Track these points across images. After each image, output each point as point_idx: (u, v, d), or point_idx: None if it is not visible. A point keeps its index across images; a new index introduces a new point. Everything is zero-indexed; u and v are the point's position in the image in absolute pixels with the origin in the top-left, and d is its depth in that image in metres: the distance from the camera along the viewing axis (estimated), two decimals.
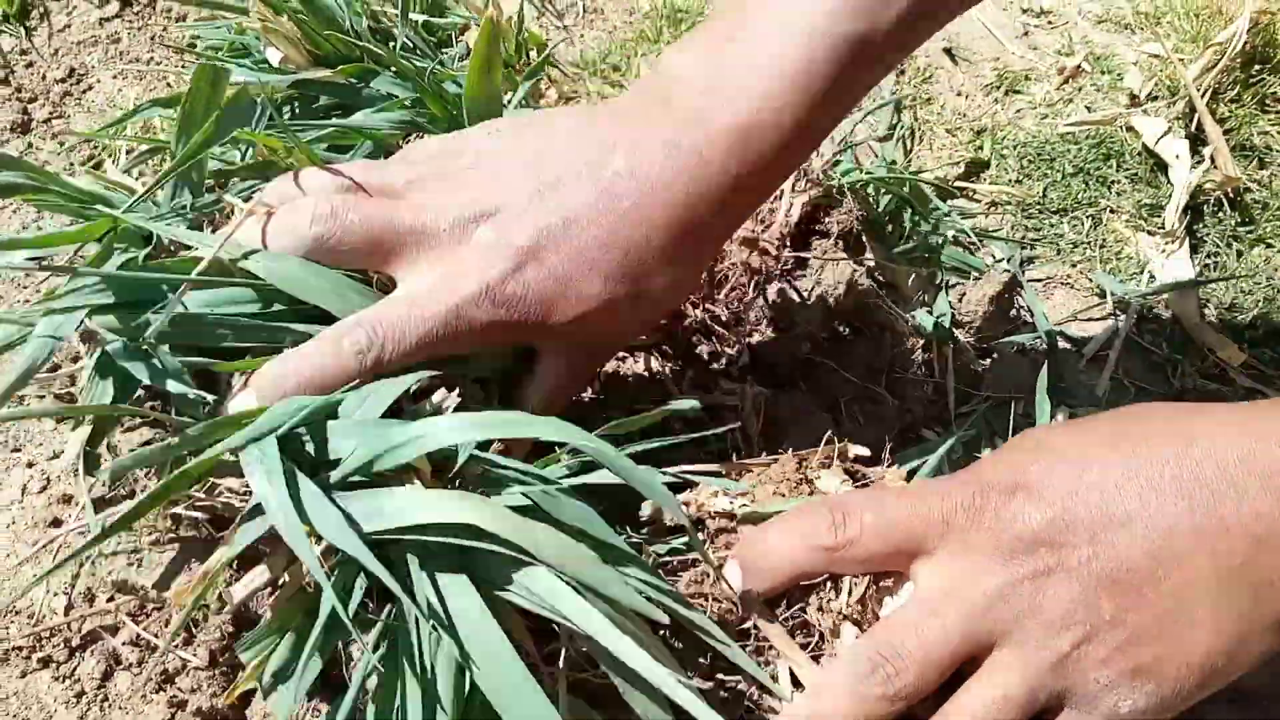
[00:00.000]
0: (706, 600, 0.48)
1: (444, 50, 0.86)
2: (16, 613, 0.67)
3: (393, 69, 0.75)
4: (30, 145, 0.85)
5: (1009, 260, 0.95)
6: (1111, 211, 1.00)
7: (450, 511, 0.41)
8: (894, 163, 0.97)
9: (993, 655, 0.43)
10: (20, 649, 0.66)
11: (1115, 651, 0.41)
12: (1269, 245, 0.98)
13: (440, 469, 0.45)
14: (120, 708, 0.62)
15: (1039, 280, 0.95)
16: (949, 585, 0.44)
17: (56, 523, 0.62)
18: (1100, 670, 0.41)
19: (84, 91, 0.88)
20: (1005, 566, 0.43)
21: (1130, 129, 1.05)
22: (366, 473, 0.43)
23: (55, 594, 0.66)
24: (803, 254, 0.81)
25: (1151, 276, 0.96)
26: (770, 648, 0.48)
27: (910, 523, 0.45)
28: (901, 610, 0.46)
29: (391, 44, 0.81)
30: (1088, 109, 1.08)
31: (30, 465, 0.71)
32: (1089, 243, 0.98)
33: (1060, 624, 0.42)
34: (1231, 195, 1.01)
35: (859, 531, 0.45)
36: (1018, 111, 1.08)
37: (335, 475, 0.44)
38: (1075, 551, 0.42)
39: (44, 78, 0.88)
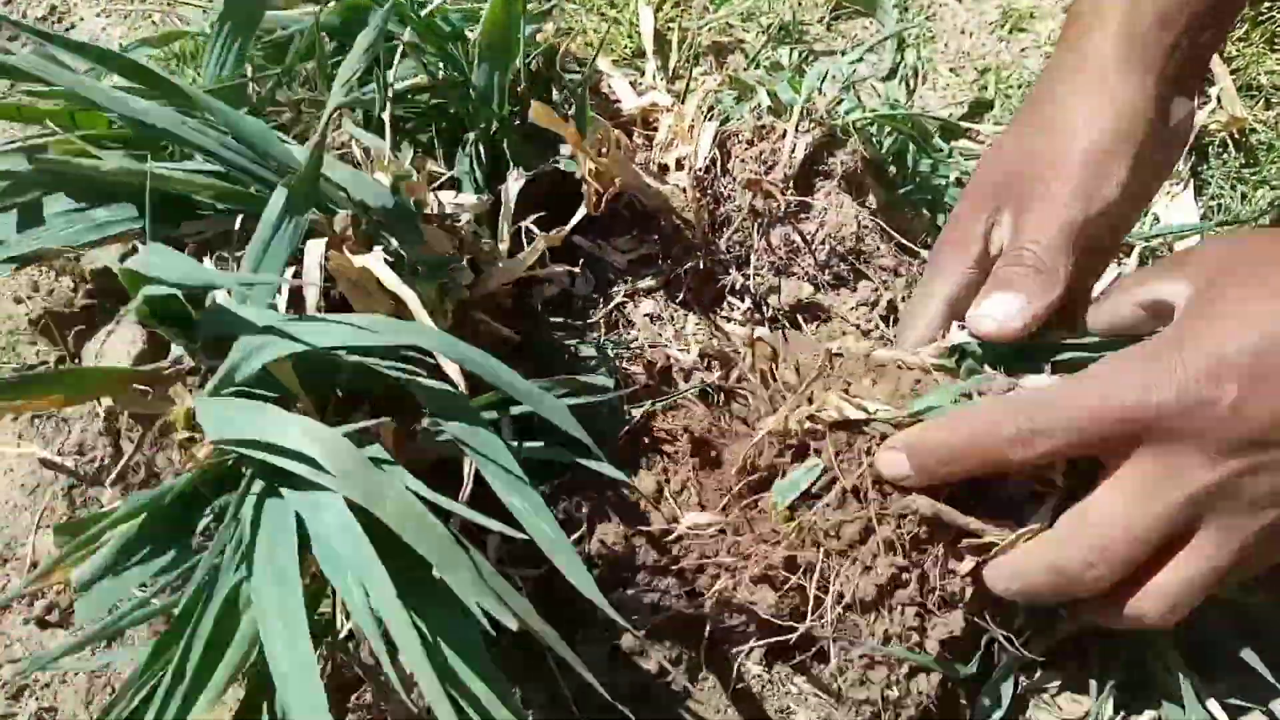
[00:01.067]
0: None
1: None
2: (19, 559, 0.67)
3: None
4: (12, 86, 0.83)
5: None
6: None
7: (292, 438, 0.40)
8: (897, 102, 0.95)
9: (1196, 538, 0.46)
10: (23, 597, 0.66)
11: None
12: (1273, 187, 0.96)
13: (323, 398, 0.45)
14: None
15: None
16: (1154, 483, 0.45)
17: (48, 463, 0.61)
18: None
19: (66, 30, 0.86)
20: (1216, 466, 0.44)
21: None
22: (231, 381, 0.43)
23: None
24: (805, 198, 0.79)
25: (1156, 219, 0.95)
26: None
27: (1107, 426, 0.45)
28: (1106, 503, 0.46)
29: None
30: None
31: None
32: None
33: (1268, 501, 0.44)
34: (1236, 136, 0.99)
35: (1050, 446, 0.46)
36: (1022, 50, 1.06)
37: (210, 383, 0.43)
38: None
39: (24, 15, 0.86)
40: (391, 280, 0.46)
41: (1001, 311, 0.52)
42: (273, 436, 0.41)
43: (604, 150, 0.64)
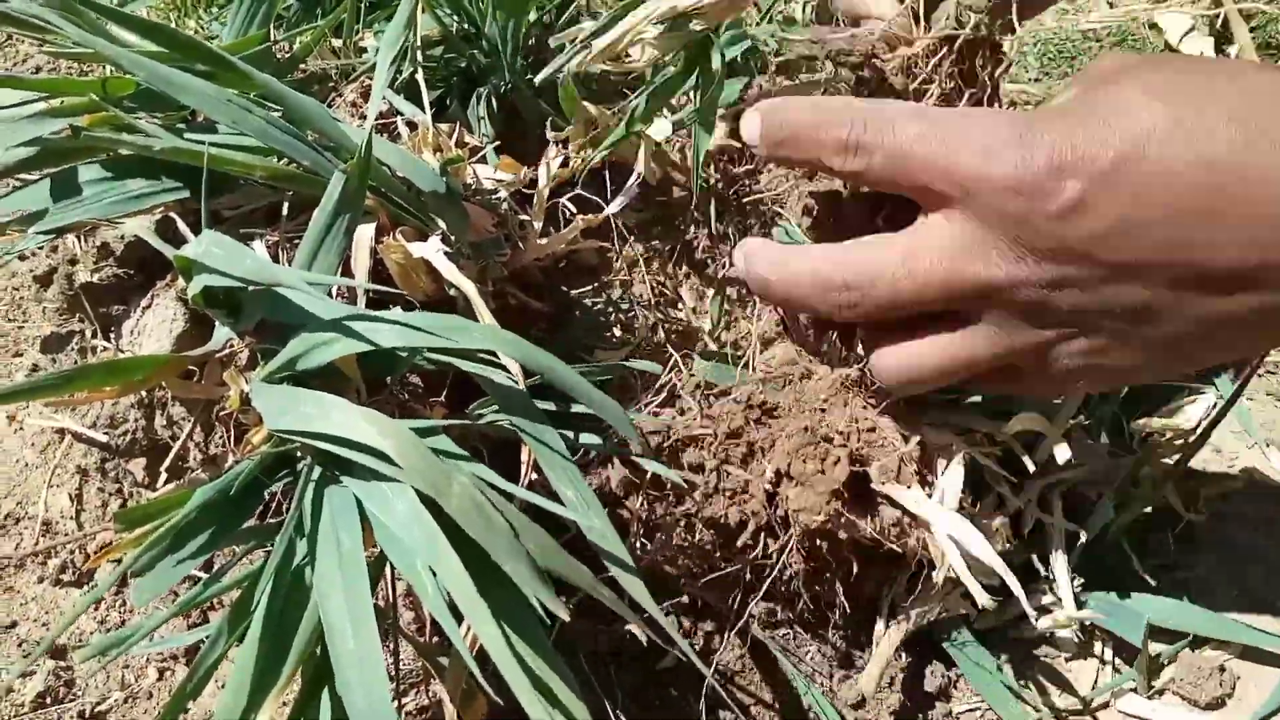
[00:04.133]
0: None
1: None
2: (30, 518, 0.68)
3: None
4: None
5: None
6: None
7: (361, 431, 0.41)
8: None
9: (969, 325, 0.44)
10: (36, 555, 0.67)
11: (1090, 353, 0.42)
12: None
13: (379, 384, 0.46)
14: (140, 611, 0.64)
15: None
16: (952, 250, 0.42)
17: (81, 437, 0.62)
18: (1070, 359, 0.43)
19: None
20: (1020, 263, 0.40)
21: (1153, 26, 1.04)
22: (290, 369, 0.44)
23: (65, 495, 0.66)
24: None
25: None
26: None
27: (932, 175, 0.41)
28: (901, 244, 0.44)
29: None
30: (1109, 4, 1.06)
31: (34, 368, 0.70)
32: None
33: (1056, 320, 0.42)
34: None
35: (866, 165, 0.43)
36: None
37: (267, 369, 0.44)
38: (1104, 285, 0.40)
39: None
40: (451, 273, 0.47)
41: None
42: (338, 429, 0.42)
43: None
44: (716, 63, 0.54)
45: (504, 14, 0.68)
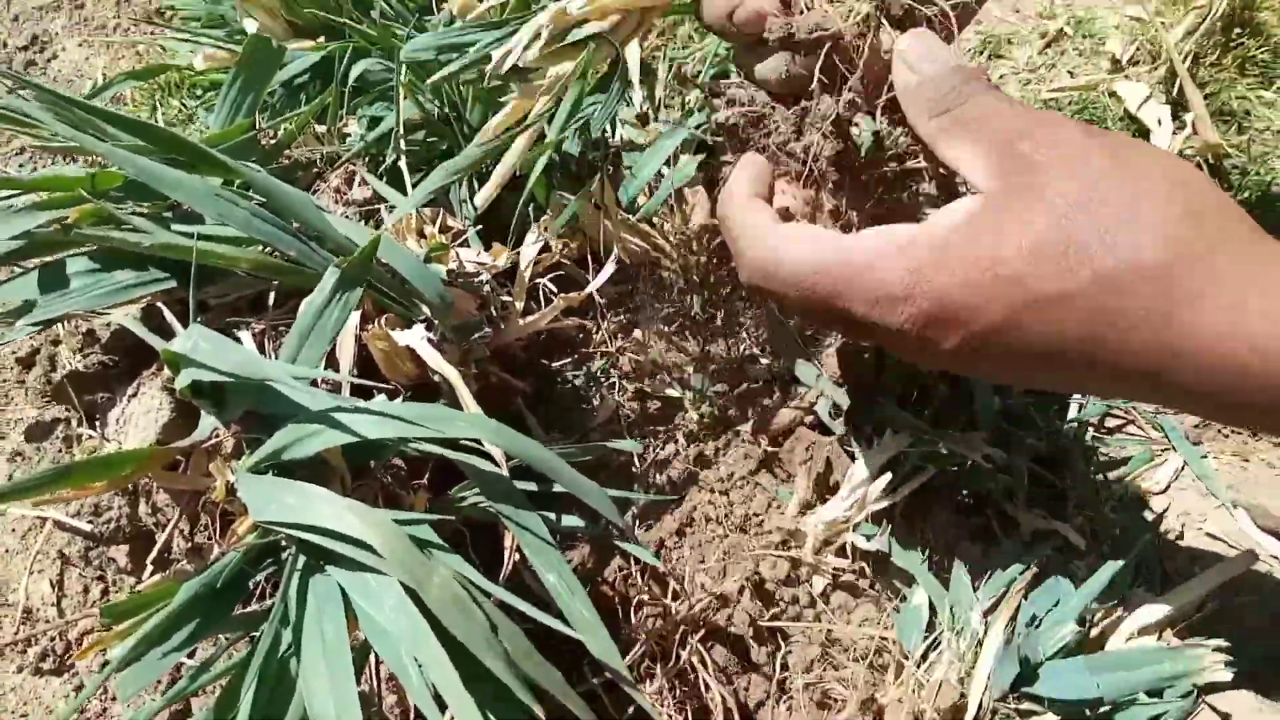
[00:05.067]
0: None
1: (426, 16, 0.85)
2: (10, 605, 0.68)
3: (377, 47, 0.74)
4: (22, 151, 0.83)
5: None
6: None
7: (346, 523, 0.42)
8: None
9: None
10: (15, 644, 0.66)
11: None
12: (1249, 210, 1.01)
13: (363, 469, 0.47)
14: (123, 701, 0.63)
15: None
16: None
17: (64, 527, 0.62)
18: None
19: (49, 60, 0.85)
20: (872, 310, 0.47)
21: (1113, 94, 1.07)
22: (276, 459, 0.45)
23: (46, 582, 0.66)
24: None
25: None
26: None
27: (833, 309, 0.48)
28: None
29: (373, 13, 0.81)
30: (1070, 74, 1.09)
31: (16, 455, 0.70)
32: None
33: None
34: (1212, 161, 1.03)
35: (782, 299, 0.49)
36: (1001, 77, 1.10)
37: (252, 459, 0.45)
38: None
39: (4, 45, 0.86)
40: (435, 359, 0.48)
41: None
42: (323, 521, 0.42)
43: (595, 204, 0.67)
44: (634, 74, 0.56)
45: (483, 100, 0.70)
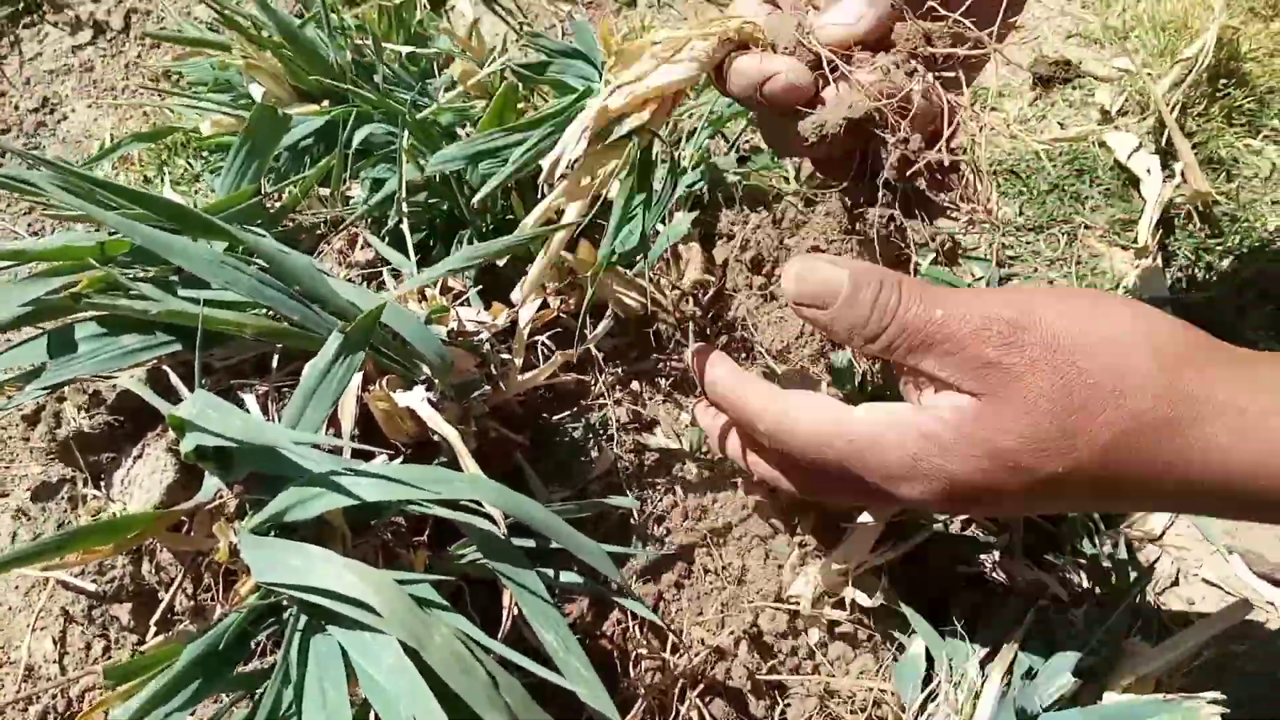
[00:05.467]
0: None
1: (428, 80, 0.87)
2: (12, 663, 0.68)
3: (380, 111, 0.76)
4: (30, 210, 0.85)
5: (987, 279, 0.99)
6: (1086, 227, 1.05)
7: (347, 583, 0.43)
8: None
9: None
10: (16, 702, 0.67)
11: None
12: (1237, 257, 1.03)
13: (363, 526, 0.48)
14: None
15: None
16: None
17: (69, 586, 0.62)
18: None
19: (58, 121, 0.88)
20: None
21: (1103, 144, 1.10)
22: (278, 520, 0.46)
23: (48, 639, 0.67)
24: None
25: (1126, 290, 1.01)
26: None
27: (849, 480, 0.50)
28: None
29: (375, 77, 0.83)
30: (1060, 125, 1.12)
31: (20, 513, 0.71)
32: (1065, 259, 1.02)
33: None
34: (1201, 209, 1.05)
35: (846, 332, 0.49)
36: (992, 129, 1.12)
37: (255, 520, 0.46)
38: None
39: (16, 108, 0.88)
40: (435, 420, 0.49)
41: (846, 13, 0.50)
42: (324, 581, 0.43)
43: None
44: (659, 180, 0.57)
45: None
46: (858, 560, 0.65)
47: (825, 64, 0.49)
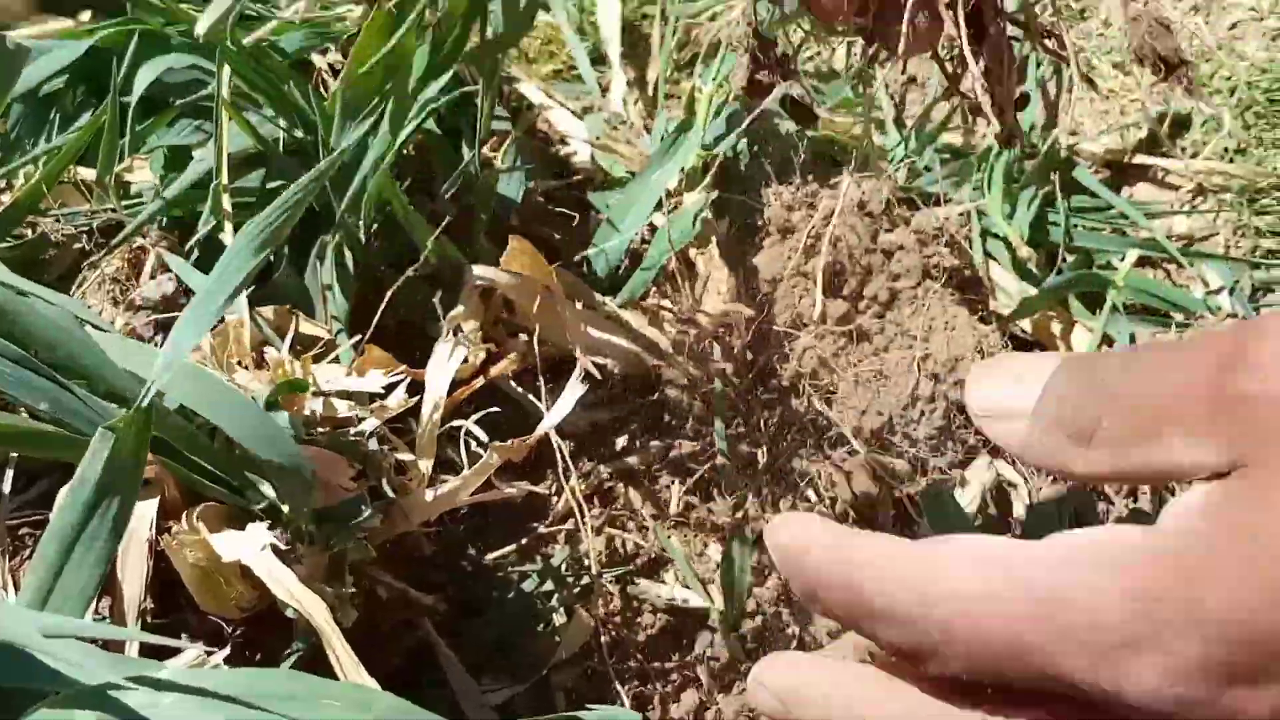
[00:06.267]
0: None
1: None
2: None
3: (179, 30, 0.78)
4: None
5: (1232, 292, 1.00)
6: None
7: None
8: (1033, 128, 1.01)
9: None
10: None
11: None
12: None
13: None
14: None
15: None
16: None
17: None
18: None
19: None
20: None
21: None
22: None
23: None
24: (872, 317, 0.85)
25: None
26: None
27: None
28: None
29: None
30: None
31: None
32: None
33: None
34: None
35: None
36: (1232, 27, 1.13)
37: None
38: None
39: None
40: (285, 582, 0.50)
41: None
42: None
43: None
44: None
45: (357, 98, 0.72)
46: None
47: None
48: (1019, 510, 0.83)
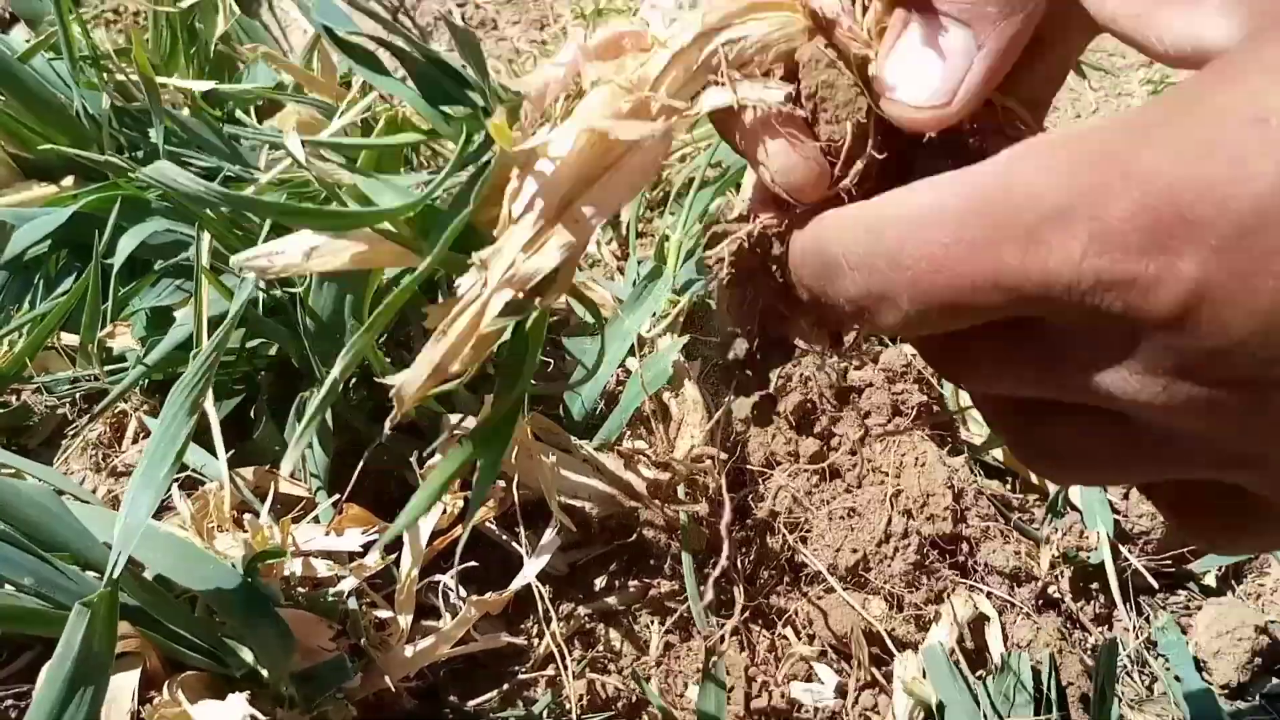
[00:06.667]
0: None
1: (238, 136, 0.90)
2: None
3: (159, 196, 0.79)
4: None
5: None
6: None
7: None
8: None
9: None
10: None
11: None
12: None
13: None
14: None
15: None
16: None
17: None
18: None
19: None
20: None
21: None
22: None
23: None
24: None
25: None
26: None
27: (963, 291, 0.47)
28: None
29: (151, 133, 0.85)
30: None
31: None
32: None
33: None
34: None
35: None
36: None
37: None
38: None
39: None
40: None
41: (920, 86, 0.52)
42: None
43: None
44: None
45: (338, 280, 0.74)
46: None
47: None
48: (994, 643, 0.84)
